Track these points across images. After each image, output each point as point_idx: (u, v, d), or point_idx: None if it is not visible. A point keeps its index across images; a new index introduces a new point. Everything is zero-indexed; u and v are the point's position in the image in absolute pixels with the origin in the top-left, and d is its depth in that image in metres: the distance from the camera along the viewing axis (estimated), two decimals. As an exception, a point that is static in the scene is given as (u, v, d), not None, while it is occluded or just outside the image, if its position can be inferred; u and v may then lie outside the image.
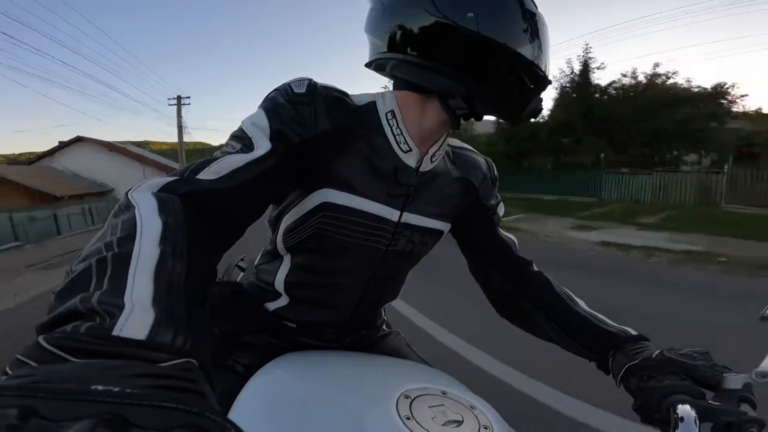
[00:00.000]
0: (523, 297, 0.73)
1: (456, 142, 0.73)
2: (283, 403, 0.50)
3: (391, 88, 0.64)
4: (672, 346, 0.54)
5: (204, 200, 0.45)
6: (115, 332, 0.24)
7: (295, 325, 0.69)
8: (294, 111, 0.55)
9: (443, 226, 0.69)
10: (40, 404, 0.17)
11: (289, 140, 0.54)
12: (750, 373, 0.45)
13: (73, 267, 0.32)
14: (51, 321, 0.26)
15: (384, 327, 0.81)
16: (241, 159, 0.50)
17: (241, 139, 0.53)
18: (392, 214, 0.62)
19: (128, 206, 0.39)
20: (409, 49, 0.56)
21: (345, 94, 0.60)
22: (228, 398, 0.53)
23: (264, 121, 0.54)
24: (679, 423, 0.42)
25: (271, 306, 0.69)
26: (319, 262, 0.64)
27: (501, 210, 0.77)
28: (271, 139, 0.53)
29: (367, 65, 0.64)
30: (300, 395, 0.52)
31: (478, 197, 0.72)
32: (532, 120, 0.61)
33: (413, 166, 0.62)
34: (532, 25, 0.54)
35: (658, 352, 0.53)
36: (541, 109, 0.59)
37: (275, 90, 0.57)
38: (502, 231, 0.76)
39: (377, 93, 0.64)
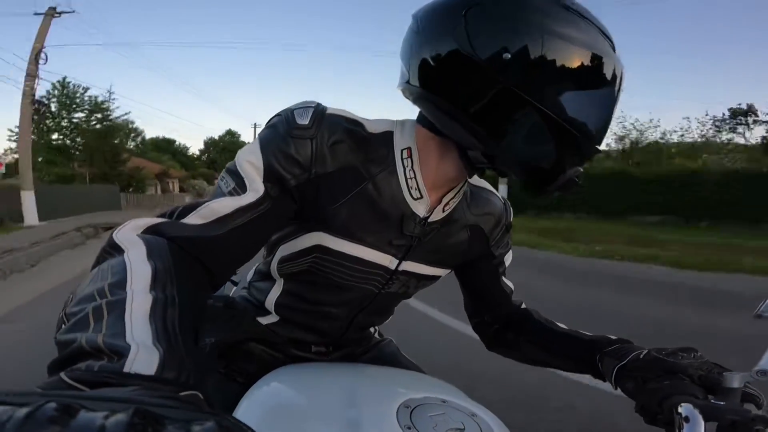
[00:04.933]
0: (508, 330, 0.74)
1: (475, 179, 0.66)
2: (283, 414, 0.49)
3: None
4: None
5: (190, 247, 0.44)
6: (126, 369, 0.26)
7: (285, 339, 0.69)
8: (293, 148, 0.49)
9: (443, 272, 0.67)
10: (84, 403, 0.19)
11: (284, 183, 0.50)
12: (750, 371, 0.45)
13: (67, 311, 0.33)
14: (61, 360, 0.28)
15: (376, 335, 0.81)
16: (230, 204, 0.47)
17: (234, 176, 0.50)
18: (391, 262, 0.59)
19: (116, 248, 0.39)
20: (431, 84, 0.50)
21: (356, 122, 0.54)
22: (226, 408, 0.52)
23: (258, 159, 0.49)
24: (684, 423, 0.42)
25: (263, 321, 0.69)
26: (309, 292, 0.63)
27: (509, 259, 0.74)
28: (265, 181, 0.49)
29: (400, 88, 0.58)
30: (300, 407, 0.51)
31: (487, 245, 0.69)
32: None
33: (421, 216, 0.57)
34: (593, 74, 0.46)
35: (645, 351, 0.53)
36: (577, 184, 0.50)
37: (277, 115, 0.52)
38: (504, 280, 0.74)
39: (397, 122, 0.58)
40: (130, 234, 0.41)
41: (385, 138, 0.55)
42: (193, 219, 0.46)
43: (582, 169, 0.50)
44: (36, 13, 10.35)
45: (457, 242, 0.64)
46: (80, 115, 19.41)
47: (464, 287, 0.76)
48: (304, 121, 0.50)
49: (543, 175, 0.50)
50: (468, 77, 0.47)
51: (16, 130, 13.14)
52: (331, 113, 0.52)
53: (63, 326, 0.32)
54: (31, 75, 10.38)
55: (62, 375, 0.25)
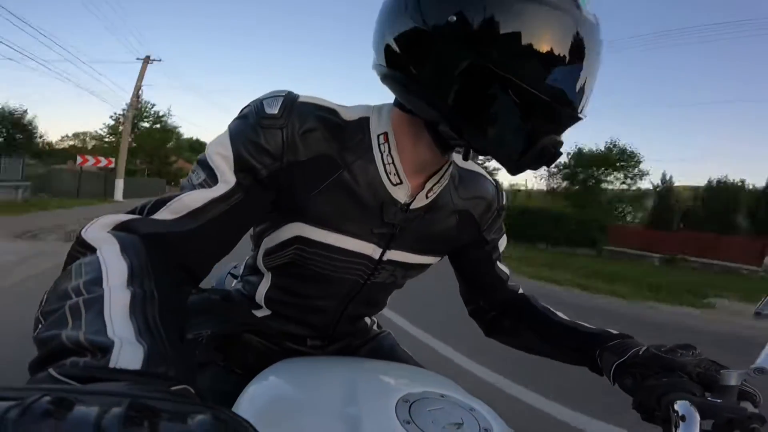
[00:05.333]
0: (505, 317, 0.73)
1: (465, 162, 0.62)
2: (282, 408, 0.49)
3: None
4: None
5: (163, 243, 0.43)
6: (111, 365, 0.25)
7: (280, 333, 0.69)
8: (263, 137, 0.48)
9: (432, 260, 0.66)
10: (78, 397, 0.18)
11: (256, 173, 0.49)
12: (748, 369, 0.45)
13: (43, 311, 0.32)
14: (42, 358, 0.27)
15: (374, 328, 0.80)
16: (202, 196, 0.46)
17: (205, 168, 0.49)
18: (374, 251, 0.58)
19: (87, 247, 0.38)
20: (392, 60, 0.48)
21: (330, 110, 0.53)
22: (224, 400, 0.52)
23: (228, 150, 0.48)
24: (680, 421, 0.42)
25: (257, 314, 0.69)
26: (296, 285, 0.63)
27: (503, 244, 0.72)
28: (236, 172, 0.48)
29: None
30: (298, 401, 0.51)
31: (478, 230, 0.67)
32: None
33: (403, 202, 0.55)
34: (550, 32, 0.42)
35: (644, 348, 0.53)
36: (554, 154, 0.46)
37: (247, 106, 0.51)
38: (499, 265, 0.72)
39: (374, 107, 0.56)
40: (99, 232, 0.40)
41: (361, 124, 0.54)
42: (164, 214, 0.45)
43: (560, 140, 0.46)
44: (137, 58, 17.57)
45: (444, 229, 0.62)
46: (145, 124, 25.95)
47: (459, 273, 0.75)
48: (273, 110, 0.49)
49: (512, 145, 0.45)
50: (420, 46, 0.45)
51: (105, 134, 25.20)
52: (303, 101, 0.51)
53: (40, 326, 0.31)
54: (133, 106, 18.20)
55: (51, 370, 0.24)
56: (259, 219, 0.57)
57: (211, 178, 0.48)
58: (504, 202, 0.69)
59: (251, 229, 0.62)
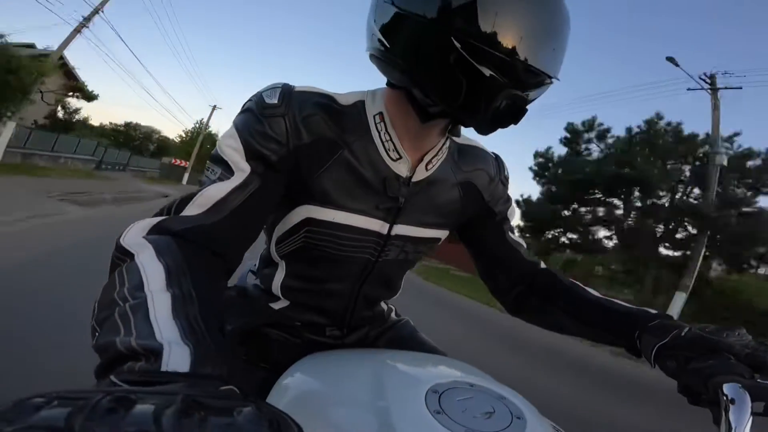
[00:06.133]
0: (531, 294, 0.70)
1: (464, 137, 0.67)
2: (313, 402, 0.50)
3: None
4: None
5: (195, 237, 0.45)
6: (164, 368, 0.27)
7: (299, 323, 0.69)
8: (267, 126, 0.51)
9: (440, 233, 0.66)
10: (138, 396, 0.20)
11: (266, 159, 0.51)
12: None
13: (96, 320, 0.35)
14: (104, 365, 0.29)
15: (393, 315, 0.80)
16: (222, 188, 0.49)
17: (219, 162, 0.52)
18: (381, 226, 0.59)
19: (126, 254, 0.40)
20: (373, 39, 0.52)
21: (327, 96, 0.56)
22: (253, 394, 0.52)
23: (237, 142, 0.51)
24: (730, 404, 0.40)
25: (275, 306, 0.69)
26: (309, 270, 0.64)
27: (513, 215, 0.72)
28: (248, 160, 0.51)
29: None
30: (329, 395, 0.51)
31: (483, 201, 0.68)
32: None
33: (404, 176, 0.58)
34: None
35: (687, 329, 0.50)
36: (519, 109, 0.47)
37: (249, 100, 0.54)
38: (511, 236, 0.72)
39: (368, 91, 0.59)
40: (135, 238, 0.42)
41: (357, 107, 0.57)
42: (191, 210, 0.47)
43: (522, 94, 0.46)
44: (209, 105, 30.30)
45: (448, 201, 0.64)
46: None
47: (472, 250, 0.74)
48: (273, 100, 0.52)
49: (473, 101, 0.46)
50: (390, 20, 0.48)
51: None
52: (300, 90, 0.55)
53: (96, 334, 0.33)
54: (202, 133, 29.30)
55: (112, 377, 0.27)
56: (276, 204, 0.58)
57: (227, 171, 0.51)
58: (506, 173, 0.70)
59: None
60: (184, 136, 32.37)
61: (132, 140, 30.09)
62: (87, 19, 10.70)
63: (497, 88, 0.45)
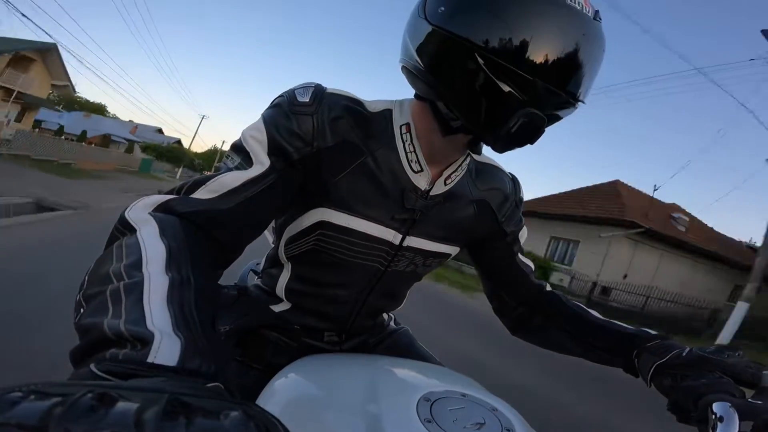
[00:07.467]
0: (534, 314, 0.71)
1: (483, 156, 0.67)
2: (304, 405, 0.50)
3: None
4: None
5: (201, 221, 0.45)
6: (150, 359, 0.26)
7: (298, 327, 0.69)
8: (295, 123, 0.52)
9: (451, 249, 0.66)
10: (120, 393, 0.19)
11: (288, 156, 0.51)
12: None
13: (84, 294, 0.33)
14: (84, 348, 0.28)
15: (392, 324, 0.80)
16: (238, 177, 0.49)
17: (240, 151, 0.52)
18: (394, 237, 0.59)
19: (128, 227, 0.39)
20: (406, 53, 0.54)
21: (356, 101, 0.56)
22: (244, 395, 0.53)
23: (263, 134, 0.51)
24: (718, 422, 0.40)
25: (276, 308, 0.69)
26: (316, 274, 0.64)
27: (524, 235, 0.72)
28: (269, 155, 0.51)
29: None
30: (320, 398, 0.51)
31: (497, 221, 0.68)
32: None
33: (423, 189, 0.58)
34: (535, 16, 0.43)
35: (688, 350, 0.51)
36: (536, 129, 0.47)
37: (279, 96, 0.55)
38: (521, 257, 0.72)
39: (395, 101, 0.60)
40: (141, 212, 0.41)
41: (384, 116, 0.57)
42: (202, 193, 0.47)
43: (540, 114, 0.46)
44: (199, 114, 41.54)
45: (462, 218, 0.64)
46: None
47: (480, 268, 0.74)
48: (304, 98, 0.53)
49: (491, 118, 0.47)
50: (421, 36, 0.50)
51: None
52: (332, 92, 0.55)
53: (81, 310, 0.32)
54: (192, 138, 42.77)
55: (92, 367, 0.25)
56: (289, 202, 0.58)
57: (246, 161, 0.51)
58: (521, 195, 0.70)
59: (273, 221, 0.64)
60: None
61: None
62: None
63: (515, 105, 0.45)
